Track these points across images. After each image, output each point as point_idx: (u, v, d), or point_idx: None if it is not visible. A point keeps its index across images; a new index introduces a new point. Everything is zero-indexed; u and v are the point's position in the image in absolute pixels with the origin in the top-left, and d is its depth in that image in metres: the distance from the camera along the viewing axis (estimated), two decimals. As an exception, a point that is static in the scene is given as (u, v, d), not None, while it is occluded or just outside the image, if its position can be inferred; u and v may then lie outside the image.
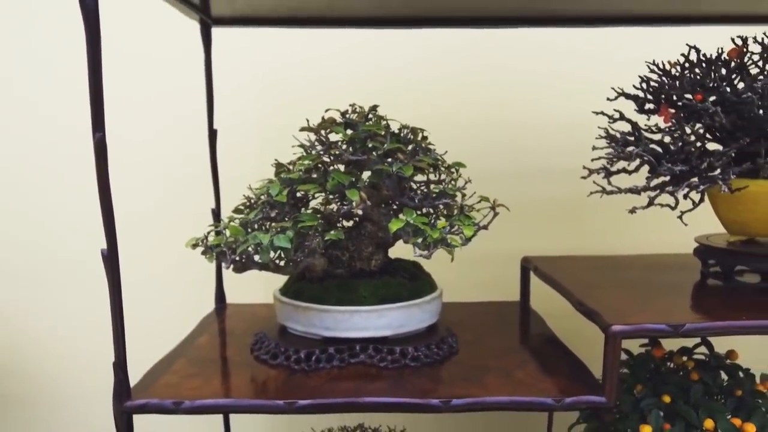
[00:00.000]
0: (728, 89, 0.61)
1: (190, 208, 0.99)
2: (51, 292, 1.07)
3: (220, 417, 0.91)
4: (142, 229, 1.03)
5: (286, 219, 0.61)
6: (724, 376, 0.73)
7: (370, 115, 0.67)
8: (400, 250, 0.73)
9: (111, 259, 0.54)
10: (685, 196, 0.64)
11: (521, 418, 1.08)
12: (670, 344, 0.77)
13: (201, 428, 0.94)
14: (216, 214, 0.85)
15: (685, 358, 0.74)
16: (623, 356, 0.77)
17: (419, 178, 0.69)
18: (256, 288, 0.90)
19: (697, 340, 0.77)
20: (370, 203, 0.63)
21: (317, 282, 0.67)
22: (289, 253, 0.60)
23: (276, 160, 0.70)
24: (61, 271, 1.07)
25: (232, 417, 0.93)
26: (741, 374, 0.73)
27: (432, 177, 0.69)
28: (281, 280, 0.71)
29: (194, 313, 0.83)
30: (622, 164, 0.68)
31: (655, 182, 0.64)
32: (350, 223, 0.70)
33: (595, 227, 1.05)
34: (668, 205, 0.64)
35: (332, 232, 0.61)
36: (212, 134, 0.84)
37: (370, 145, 0.64)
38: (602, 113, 0.70)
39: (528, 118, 1.03)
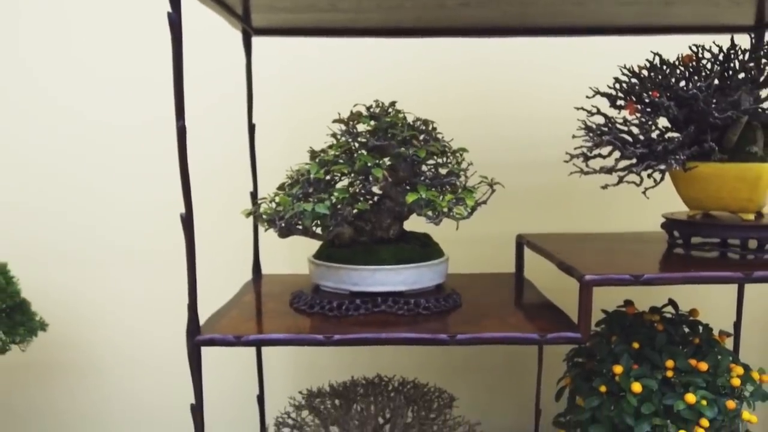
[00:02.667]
0: (682, 88, 0.75)
1: (227, 191, 1.13)
2: (97, 273, 1.21)
3: (253, 367, 1.04)
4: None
5: (322, 194, 0.75)
6: (687, 330, 0.87)
7: (390, 109, 0.81)
8: (412, 225, 0.87)
9: (187, 220, 0.68)
10: (649, 176, 0.78)
11: (516, 368, 1.21)
12: (642, 305, 0.91)
13: (234, 377, 1.08)
14: (254, 195, 0.99)
15: (653, 316, 0.88)
16: (602, 315, 0.92)
17: (430, 162, 0.83)
18: (282, 267, 1.05)
19: (665, 300, 0.90)
20: (390, 180, 0.78)
21: (345, 247, 0.81)
22: (326, 219, 0.74)
23: (311, 147, 0.84)
24: (106, 254, 1.21)
25: (265, 372, 1.06)
26: (700, 328, 0.86)
27: (440, 161, 0.83)
28: (303, 259, 0.84)
29: (233, 282, 0.97)
30: (597, 152, 0.82)
31: (623, 164, 0.78)
32: (372, 200, 0.84)
33: (581, 213, 1.19)
34: (634, 182, 0.78)
35: (359, 203, 0.75)
36: (251, 128, 0.99)
37: (389, 134, 0.78)
38: (582, 108, 0.84)
39: (520, 114, 1.17)
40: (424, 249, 0.83)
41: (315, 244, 0.84)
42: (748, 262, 0.75)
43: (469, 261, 1.07)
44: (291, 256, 1.13)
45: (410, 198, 0.74)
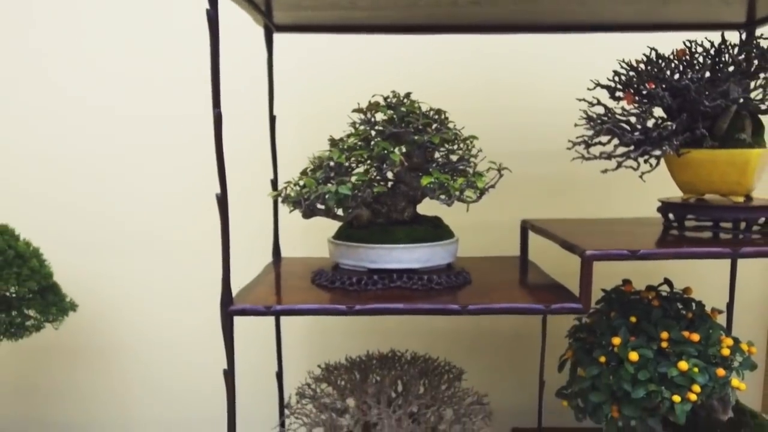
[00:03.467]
0: (675, 79, 0.81)
1: (244, 181, 1.19)
2: (120, 260, 1.28)
3: (272, 347, 1.10)
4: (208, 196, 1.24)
5: (344, 177, 0.82)
6: (680, 306, 0.93)
7: (405, 100, 0.87)
8: (424, 209, 0.93)
9: (222, 200, 0.74)
10: (645, 161, 0.84)
11: (520, 347, 1.28)
12: (639, 285, 0.97)
13: (254, 356, 1.14)
14: (274, 183, 1.05)
15: (649, 293, 0.94)
16: (602, 295, 0.98)
17: (442, 150, 0.89)
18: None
19: (661, 279, 0.97)
20: (406, 165, 0.84)
21: (363, 228, 0.88)
22: (347, 200, 0.80)
23: (330, 136, 0.90)
24: (129, 241, 1.27)
25: (283, 351, 1.12)
26: (693, 305, 0.93)
27: (451, 148, 0.89)
28: (318, 249, 0.90)
29: (253, 267, 1.03)
30: (597, 140, 0.88)
31: (621, 150, 0.84)
32: (388, 185, 0.90)
33: (584, 201, 1.25)
34: (631, 167, 0.84)
35: (377, 187, 0.81)
36: (272, 119, 1.05)
37: (405, 122, 0.84)
38: (584, 100, 0.91)
39: (525, 106, 1.23)
40: (436, 230, 0.89)
41: (329, 233, 0.91)
42: (737, 240, 0.81)
43: (476, 247, 1.13)
44: (307, 244, 1.19)
45: (425, 181, 0.80)
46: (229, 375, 0.78)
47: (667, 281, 0.96)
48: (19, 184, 1.25)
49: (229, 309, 0.76)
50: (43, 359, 1.31)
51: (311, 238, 1.18)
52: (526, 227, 1.06)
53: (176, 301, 1.29)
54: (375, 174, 0.87)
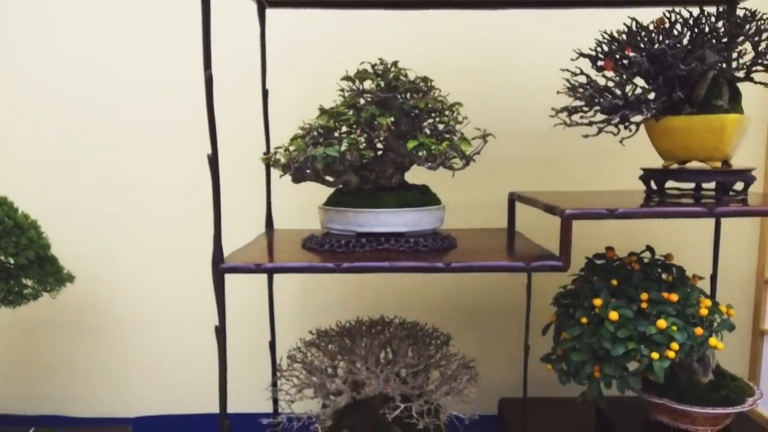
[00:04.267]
0: (653, 46, 0.84)
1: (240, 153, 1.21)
2: (119, 238, 1.30)
3: (265, 317, 1.13)
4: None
5: (332, 140, 0.84)
6: (660, 270, 0.96)
7: (392, 68, 0.90)
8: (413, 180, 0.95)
9: (213, 160, 0.77)
10: (626, 127, 0.87)
11: (508, 317, 1.30)
12: (623, 252, 1.00)
13: (247, 328, 1.17)
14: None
15: (631, 258, 0.96)
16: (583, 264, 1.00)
17: (429, 121, 0.91)
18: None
19: (643, 247, 0.99)
20: (393, 130, 0.86)
21: (351, 194, 0.90)
22: (335, 163, 0.83)
23: (321, 105, 0.93)
24: (125, 220, 1.30)
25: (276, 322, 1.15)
26: (674, 270, 0.95)
27: (438, 120, 0.92)
28: (314, 221, 0.93)
29: (246, 237, 1.05)
30: (579, 104, 0.91)
31: (601, 118, 0.87)
32: (376, 153, 0.93)
33: (569, 178, 1.28)
34: (611, 132, 0.87)
35: (365, 151, 0.84)
36: (265, 94, 1.07)
37: (392, 87, 0.87)
38: (567, 70, 0.93)
39: (510, 86, 1.26)
40: (423, 196, 0.92)
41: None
42: (712, 201, 0.83)
43: (465, 225, 1.15)
44: (302, 219, 1.21)
45: (410, 145, 0.83)
46: (221, 332, 0.80)
47: (649, 248, 0.98)
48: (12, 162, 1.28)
49: (220, 267, 0.78)
50: (39, 334, 1.33)
51: (306, 215, 1.20)
52: (513, 199, 1.09)
53: (173, 277, 1.31)
54: (366, 139, 0.89)
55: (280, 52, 1.19)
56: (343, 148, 0.81)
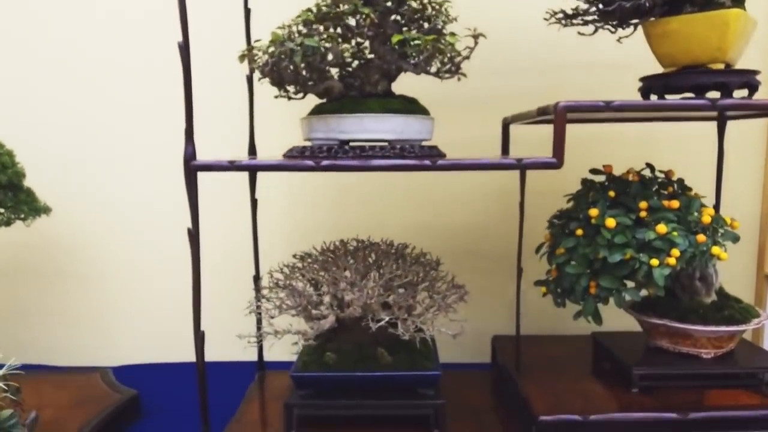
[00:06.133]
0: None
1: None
2: (97, 181, 1.26)
3: (249, 248, 1.08)
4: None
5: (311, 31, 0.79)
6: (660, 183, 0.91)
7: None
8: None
9: (185, 50, 0.72)
10: (623, 27, 0.82)
11: (500, 263, 1.25)
12: (620, 169, 0.95)
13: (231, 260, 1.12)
14: (249, 78, 1.03)
15: (630, 173, 0.91)
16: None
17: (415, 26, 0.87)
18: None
19: (643, 165, 0.94)
20: (379, 32, 0.82)
21: (335, 101, 0.86)
22: (316, 59, 0.78)
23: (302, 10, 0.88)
24: (105, 163, 1.26)
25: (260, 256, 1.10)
26: (675, 185, 0.90)
27: (426, 25, 0.87)
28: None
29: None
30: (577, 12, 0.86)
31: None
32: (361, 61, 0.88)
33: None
34: (609, 29, 0.82)
35: (347, 47, 0.79)
36: (247, 12, 1.03)
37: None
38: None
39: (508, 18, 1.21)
40: (411, 104, 0.87)
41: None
42: (715, 101, 0.79)
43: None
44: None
45: (395, 39, 0.78)
46: (194, 236, 0.76)
47: (649, 165, 0.94)
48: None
49: (192, 164, 0.74)
50: (19, 283, 1.29)
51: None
52: (507, 123, 1.04)
53: (152, 223, 1.27)
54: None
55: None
56: (322, 39, 0.77)
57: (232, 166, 0.74)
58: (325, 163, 0.74)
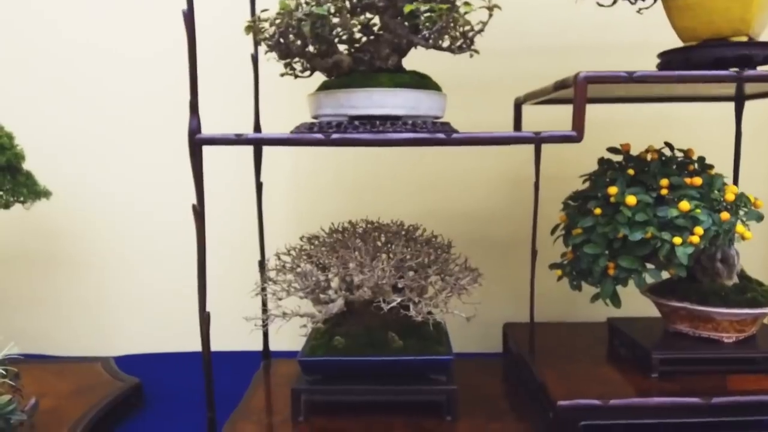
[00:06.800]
0: None
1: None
2: (98, 166, 1.24)
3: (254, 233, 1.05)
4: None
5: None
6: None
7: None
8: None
9: (189, 16, 0.69)
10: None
11: (514, 250, 1.22)
12: (637, 152, 0.92)
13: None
14: (254, 58, 1.00)
15: (649, 151, 0.88)
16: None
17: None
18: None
19: (662, 144, 0.91)
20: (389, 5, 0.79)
21: (343, 77, 0.83)
22: (325, 29, 0.75)
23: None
24: (106, 148, 1.23)
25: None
26: (696, 164, 0.87)
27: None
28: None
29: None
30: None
31: None
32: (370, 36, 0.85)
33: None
34: (629, 0, 0.79)
35: (356, 19, 0.77)
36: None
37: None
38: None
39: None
40: (424, 80, 0.84)
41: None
42: (740, 72, 0.76)
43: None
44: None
45: (407, 8, 0.75)
46: (199, 213, 0.73)
47: (668, 144, 0.91)
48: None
49: (197, 137, 0.71)
50: (16, 270, 1.26)
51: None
52: (519, 104, 1.01)
53: (155, 209, 1.24)
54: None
55: None
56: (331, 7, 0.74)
57: (239, 140, 0.71)
58: (335, 136, 0.71)
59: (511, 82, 1.14)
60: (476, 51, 0.85)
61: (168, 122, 1.16)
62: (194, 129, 0.71)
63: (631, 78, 0.71)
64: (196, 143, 0.71)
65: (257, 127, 1.01)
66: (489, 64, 1.11)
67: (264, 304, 0.90)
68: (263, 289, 0.86)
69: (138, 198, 1.24)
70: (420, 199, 1.23)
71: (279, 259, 0.89)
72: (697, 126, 1.17)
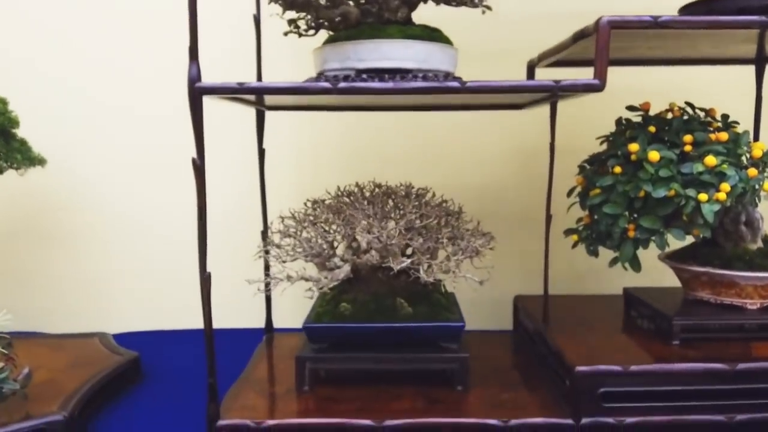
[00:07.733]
0: None
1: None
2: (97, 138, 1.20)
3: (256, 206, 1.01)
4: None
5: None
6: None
7: None
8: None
9: None
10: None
11: (527, 225, 1.18)
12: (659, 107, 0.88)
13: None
14: (256, 18, 0.96)
15: (669, 110, 0.84)
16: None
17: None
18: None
19: (682, 104, 0.88)
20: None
21: (351, 29, 0.79)
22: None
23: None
24: (106, 118, 1.19)
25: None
26: (720, 122, 0.84)
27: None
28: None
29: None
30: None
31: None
32: None
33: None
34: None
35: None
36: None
37: None
38: None
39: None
40: (434, 33, 0.80)
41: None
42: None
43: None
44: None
45: (418, -46, 0.71)
46: (199, 167, 0.69)
47: (689, 104, 0.87)
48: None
49: (197, 86, 0.67)
50: (14, 245, 1.22)
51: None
52: (532, 65, 0.97)
53: (158, 181, 1.20)
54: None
55: None
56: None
57: (241, 88, 0.67)
58: (342, 85, 0.68)
59: (525, 47, 1.10)
60: (488, 7, 0.82)
61: (168, 87, 1.12)
62: (194, 77, 0.67)
63: (656, 23, 0.67)
64: (196, 92, 0.67)
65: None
66: (501, 29, 1.07)
67: (267, 269, 0.86)
68: (267, 252, 0.82)
69: (137, 175, 1.20)
70: (427, 173, 1.19)
71: (283, 222, 0.85)
72: (715, 94, 1.13)
